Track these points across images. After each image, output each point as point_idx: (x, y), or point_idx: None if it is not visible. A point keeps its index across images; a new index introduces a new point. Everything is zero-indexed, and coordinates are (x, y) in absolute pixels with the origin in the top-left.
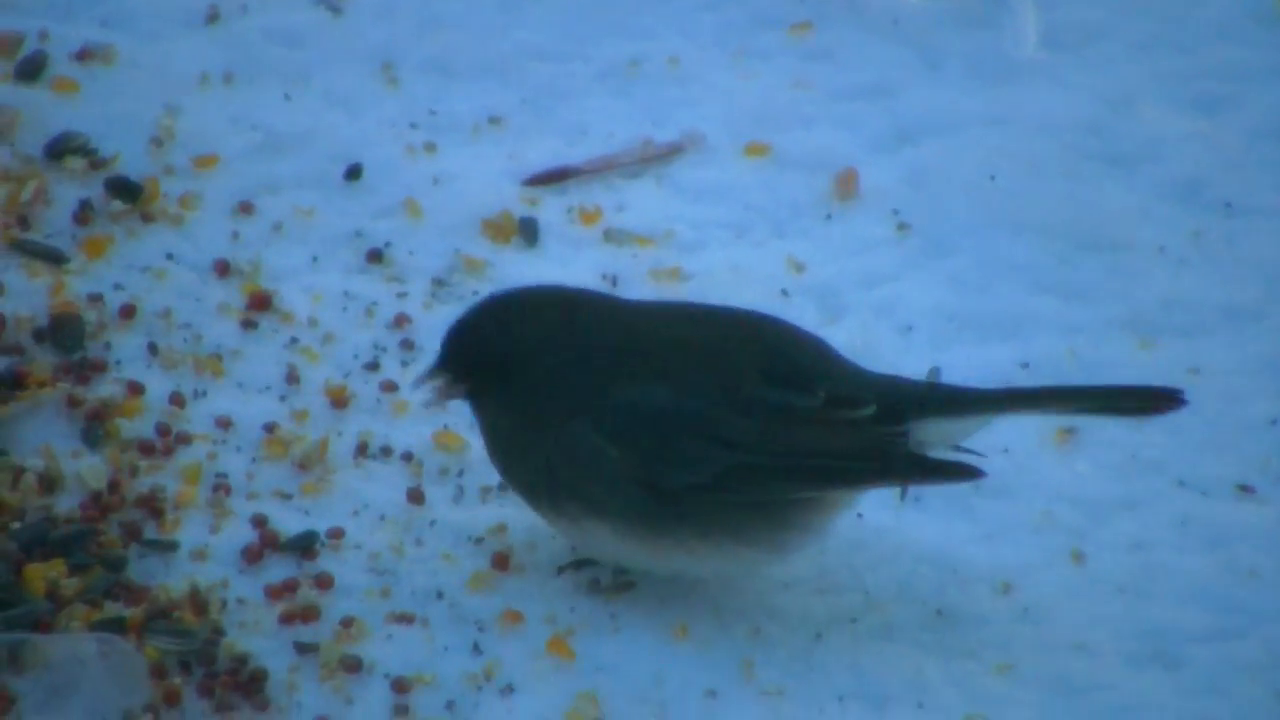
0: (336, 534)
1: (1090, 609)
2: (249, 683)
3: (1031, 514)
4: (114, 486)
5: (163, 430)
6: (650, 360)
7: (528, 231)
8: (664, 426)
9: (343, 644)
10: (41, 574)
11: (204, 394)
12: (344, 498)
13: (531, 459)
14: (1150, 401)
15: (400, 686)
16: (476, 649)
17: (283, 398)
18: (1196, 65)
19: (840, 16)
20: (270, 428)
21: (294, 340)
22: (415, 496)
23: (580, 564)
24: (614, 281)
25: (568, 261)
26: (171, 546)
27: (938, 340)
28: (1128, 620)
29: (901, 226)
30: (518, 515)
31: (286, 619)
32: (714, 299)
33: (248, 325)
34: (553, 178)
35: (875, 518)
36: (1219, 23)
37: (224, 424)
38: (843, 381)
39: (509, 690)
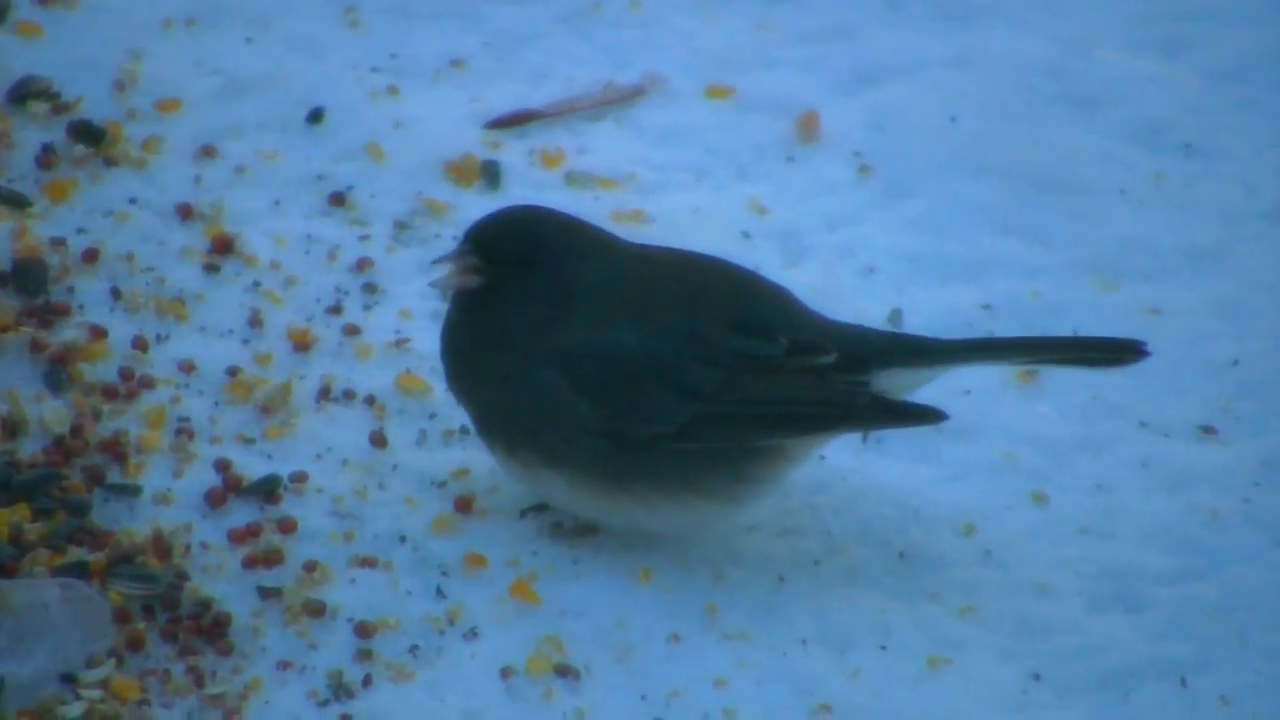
0: (300, 478)
1: (1052, 551)
2: (212, 627)
3: (993, 456)
4: (77, 431)
5: (126, 374)
6: (634, 306)
7: (490, 174)
8: (633, 377)
9: (306, 588)
10: (5, 519)
11: (167, 338)
12: (307, 441)
13: (494, 384)
14: (1113, 353)
15: (364, 630)
16: (440, 593)
17: (246, 341)
18: (1157, 7)
19: None
20: (233, 371)
21: (257, 284)
22: (378, 440)
23: (542, 507)
24: None
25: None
26: (135, 491)
27: (899, 282)
28: (1090, 562)
29: (863, 169)
30: (480, 459)
31: (250, 563)
32: (675, 242)
33: (210, 269)
34: (515, 120)
35: (838, 460)
36: None
37: (187, 368)
38: (805, 329)
39: (473, 634)
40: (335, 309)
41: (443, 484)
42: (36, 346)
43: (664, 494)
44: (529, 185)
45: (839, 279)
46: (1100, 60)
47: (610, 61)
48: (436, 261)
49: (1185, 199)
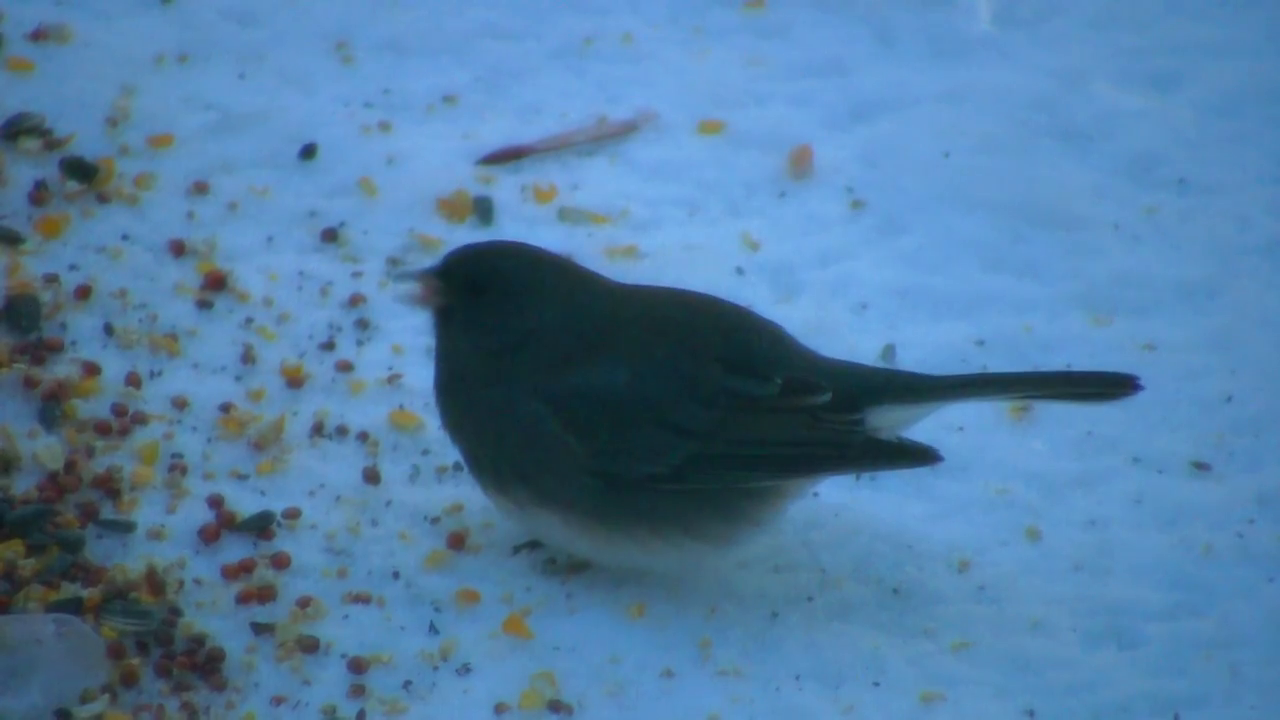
0: (293, 514)
1: (1047, 587)
2: (206, 663)
3: (987, 492)
4: (71, 466)
5: (119, 410)
6: (619, 344)
7: (483, 210)
8: (625, 416)
9: (299, 624)
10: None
11: (160, 374)
12: (300, 477)
13: (483, 422)
14: (1106, 388)
15: (357, 666)
16: (433, 629)
17: (238, 377)
18: (1150, 41)
19: None
20: (226, 407)
21: (249, 320)
22: (371, 476)
23: (536, 543)
24: None
25: (523, 239)
26: (128, 527)
27: (892, 318)
28: (1084, 598)
29: (856, 204)
30: (474, 495)
31: (243, 599)
32: (669, 277)
33: (203, 305)
34: (507, 156)
35: (831, 496)
36: None
37: (180, 404)
38: (798, 368)
39: (466, 669)
40: (328, 345)
41: (436, 520)
42: (29, 383)
43: (658, 535)
44: (522, 221)
45: (832, 315)
46: (1092, 94)
47: (603, 97)
48: (404, 274)
49: (1179, 233)
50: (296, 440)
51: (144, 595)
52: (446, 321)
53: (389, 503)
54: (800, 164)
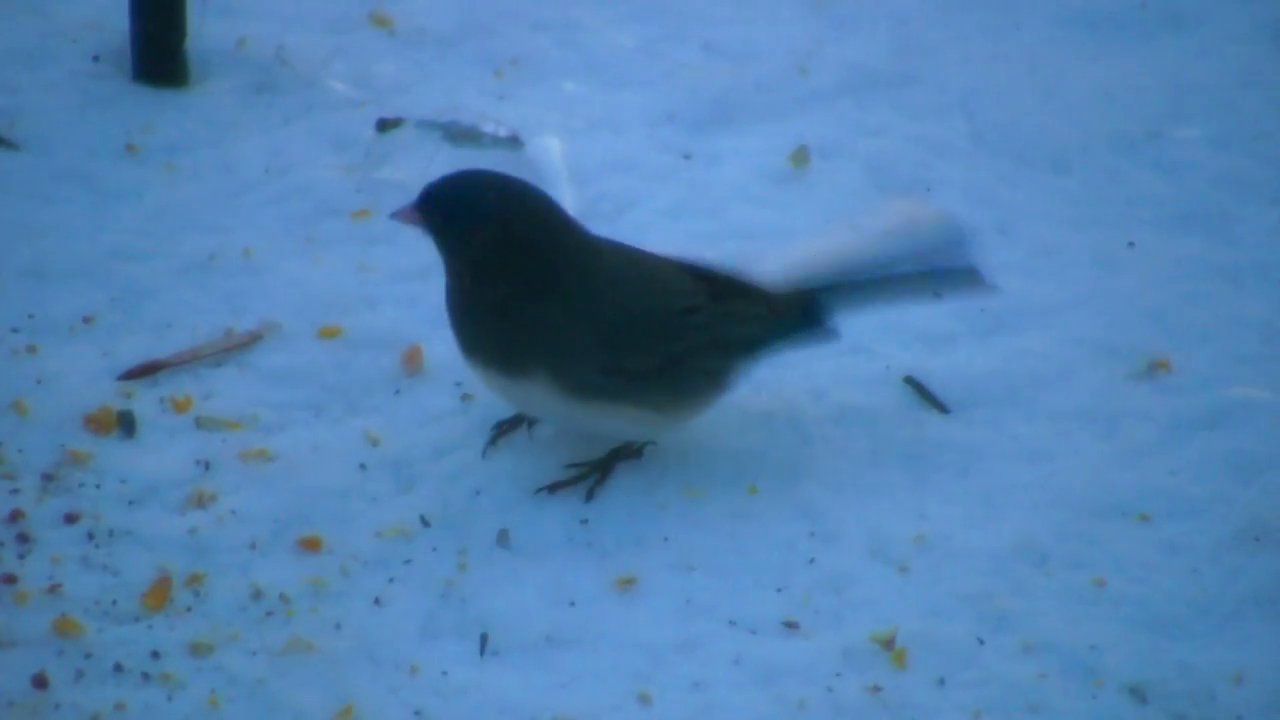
0: None
1: None
2: None
3: (600, 661)
4: None
5: None
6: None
7: (126, 423)
8: (640, 328)
9: None
10: None
11: None
12: None
13: (502, 329)
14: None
15: None
16: None
17: None
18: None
19: (395, 201)
20: None
21: None
22: (40, 682)
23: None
24: (207, 465)
25: (164, 448)
26: None
27: (507, 503)
28: None
29: (465, 397)
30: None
31: None
32: (298, 476)
33: None
34: (144, 371)
35: (459, 675)
36: None
37: None
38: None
39: None
40: None
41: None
42: None
43: (639, 407)
44: (162, 431)
45: (451, 503)
46: None
47: (228, 309)
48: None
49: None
50: None
51: None
52: (448, 253)
53: (57, 706)
54: (413, 362)
